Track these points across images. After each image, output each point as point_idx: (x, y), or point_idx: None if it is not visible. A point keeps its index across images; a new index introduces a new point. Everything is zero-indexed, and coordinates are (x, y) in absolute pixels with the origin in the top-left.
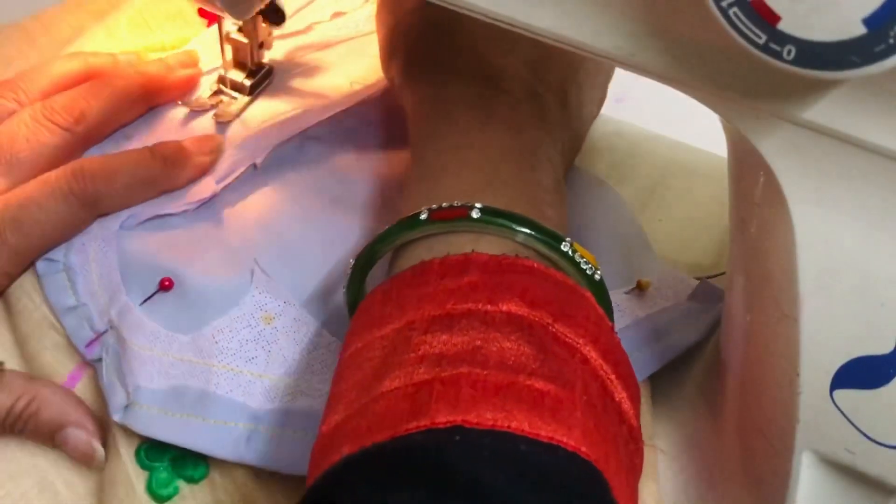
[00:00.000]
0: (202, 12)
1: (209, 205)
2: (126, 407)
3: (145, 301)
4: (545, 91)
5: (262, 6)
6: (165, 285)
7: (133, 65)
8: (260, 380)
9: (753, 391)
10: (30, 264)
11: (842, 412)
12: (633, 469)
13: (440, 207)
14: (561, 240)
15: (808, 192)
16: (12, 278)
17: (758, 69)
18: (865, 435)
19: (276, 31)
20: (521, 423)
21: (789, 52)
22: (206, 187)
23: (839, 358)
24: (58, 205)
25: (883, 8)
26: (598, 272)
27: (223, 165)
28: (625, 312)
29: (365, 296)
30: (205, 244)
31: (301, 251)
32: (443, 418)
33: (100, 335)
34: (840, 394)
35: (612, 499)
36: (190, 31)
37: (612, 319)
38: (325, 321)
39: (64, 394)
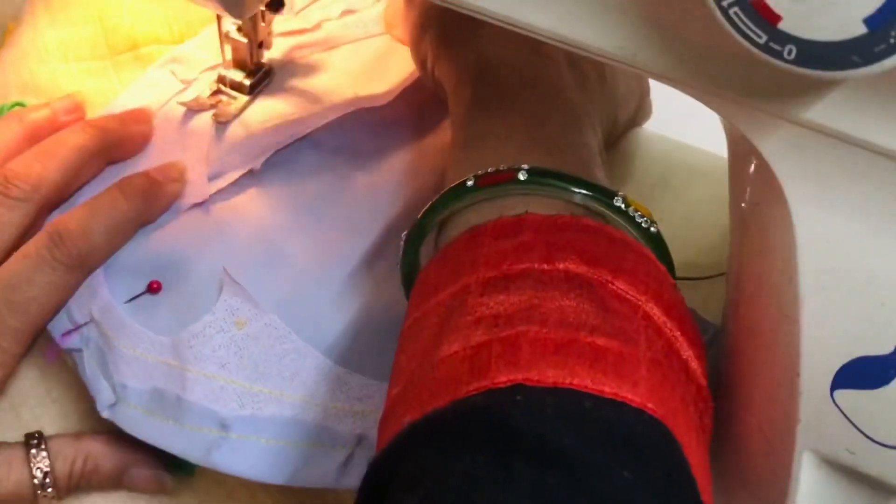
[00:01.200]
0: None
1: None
2: (113, 405)
3: (130, 300)
4: (583, 60)
5: (262, 6)
6: (154, 288)
7: (80, 124)
8: (231, 385)
9: (754, 391)
10: (34, 340)
11: (842, 412)
12: (704, 429)
13: (486, 173)
14: (613, 194)
15: (809, 192)
16: (19, 357)
17: (758, 69)
18: (866, 435)
19: (284, 27)
20: (583, 379)
21: (790, 51)
22: (200, 191)
23: (839, 358)
24: (47, 276)
25: (883, 8)
26: (655, 225)
27: (218, 168)
28: None
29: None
30: (189, 245)
31: (282, 256)
32: (503, 378)
33: (78, 326)
34: (840, 394)
35: (683, 456)
36: (197, 22)
37: (674, 275)
38: (299, 326)
39: (112, 440)
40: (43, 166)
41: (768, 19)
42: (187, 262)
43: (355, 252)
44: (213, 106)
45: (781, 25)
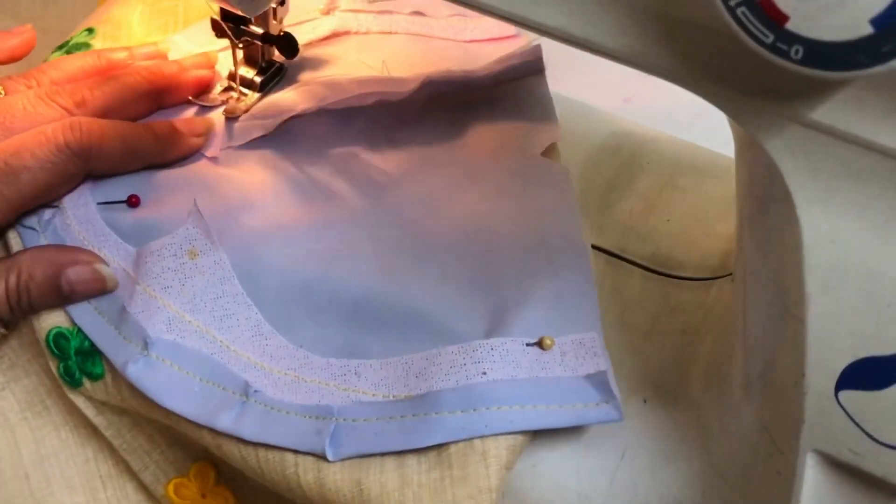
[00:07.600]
0: (215, 24)
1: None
2: None
3: (105, 203)
4: None
5: (274, 4)
6: (132, 202)
7: (148, 64)
8: (166, 309)
9: (759, 391)
10: (16, 217)
11: (847, 413)
12: None
13: None
14: None
15: (815, 192)
16: None
17: (765, 69)
18: (870, 436)
19: (286, 23)
20: None
21: (797, 51)
22: (214, 148)
23: (845, 358)
24: (52, 154)
25: (890, 8)
26: None
27: (237, 131)
28: (516, 364)
29: None
30: (176, 176)
31: (253, 210)
32: None
33: (43, 207)
34: (845, 394)
35: None
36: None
37: None
38: (243, 275)
39: (40, 249)
40: (90, 92)
41: (775, 19)
42: (168, 188)
43: (323, 232)
44: (223, 102)
45: (788, 25)
